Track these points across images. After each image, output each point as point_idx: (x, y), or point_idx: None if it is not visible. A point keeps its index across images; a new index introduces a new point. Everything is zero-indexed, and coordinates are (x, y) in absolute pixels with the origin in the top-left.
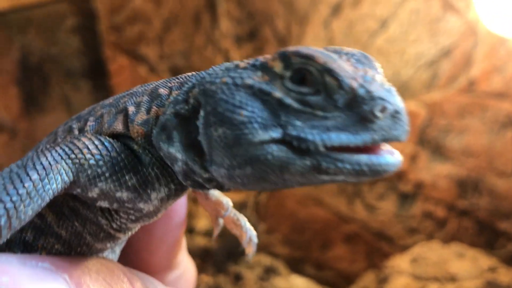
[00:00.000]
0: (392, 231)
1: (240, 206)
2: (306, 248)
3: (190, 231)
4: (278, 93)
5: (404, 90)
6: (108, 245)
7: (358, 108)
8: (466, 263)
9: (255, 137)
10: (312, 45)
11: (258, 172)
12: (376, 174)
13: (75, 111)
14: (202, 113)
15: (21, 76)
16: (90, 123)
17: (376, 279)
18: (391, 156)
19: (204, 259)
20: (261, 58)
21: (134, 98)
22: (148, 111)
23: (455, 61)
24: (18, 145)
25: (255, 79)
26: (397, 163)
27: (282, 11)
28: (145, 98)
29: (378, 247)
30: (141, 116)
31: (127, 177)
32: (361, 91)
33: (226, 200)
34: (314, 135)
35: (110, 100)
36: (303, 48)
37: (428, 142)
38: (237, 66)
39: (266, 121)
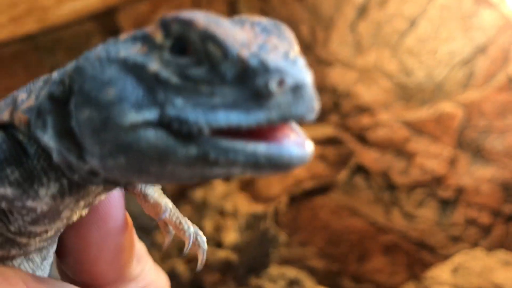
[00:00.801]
0: (433, 240)
1: (260, 217)
2: (343, 261)
3: (218, 245)
4: (154, 66)
5: (439, 91)
6: (14, 252)
7: (250, 82)
8: None
9: (126, 120)
10: (339, 49)
11: (134, 162)
12: (276, 167)
13: None
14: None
15: None
16: None
17: None
18: (297, 147)
19: (225, 272)
20: (146, 28)
21: (31, 85)
22: (38, 97)
23: (491, 57)
24: None
25: (131, 51)
26: (304, 155)
27: (306, 16)
28: (40, 84)
29: (419, 258)
30: (29, 103)
31: (8, 171)
32: (252, 62)
33: (164, 201)
34: (198, 115)
35: (14, 92)
36: (185, 13)
37: (467, 144)
38: (117, 39)
39: (140, 100)
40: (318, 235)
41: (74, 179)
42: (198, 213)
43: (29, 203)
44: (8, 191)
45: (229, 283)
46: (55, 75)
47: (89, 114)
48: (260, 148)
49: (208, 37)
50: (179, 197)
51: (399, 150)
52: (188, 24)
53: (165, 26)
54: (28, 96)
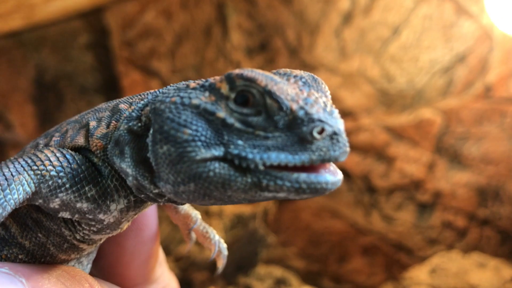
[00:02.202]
0: (411, 242)
1: (249, 218)
2: (323, 261)
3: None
4: (222, 113)
5: (419, 97)
6: (73, 255)
7: (297, 129)
8: (488, 273)
9: (198, 155)
10: (324, 54)
11: (201, 188)
12: (315, 191)
13: None
14: (151, 130)
15: (36, 93)
16: (55, 138)
17: None
18: (330, 175)
19: (213, 271)
20: (211, 79)
21: (97, 113)
22: (108, 125)
23: (470, 66)
24: None
25: (202, 99)
26: (336, 181)
27: (292, 21)
28: (107, 113)
29: (397, 259)
30: (101, 130)
31: (86, 188)
32: (300, 113)
33: (194, 213)
34: (255, 154)
35: (76, 117)
36: (248, 71)
37: (445, 150)
38: (187, 86)
39: (209, 140)
40: (299, 236)
41: (139, 197)
42: None
43: (100, 216)
44: (84, 205)
45: (217, 282)
46: (124, 107)
47: (167, 149)
48: (302, 176)
49: (267, 92)
50: None
51: (380, 154)
52: (252, 81)
53: (230, 80)
54: (98, 124)
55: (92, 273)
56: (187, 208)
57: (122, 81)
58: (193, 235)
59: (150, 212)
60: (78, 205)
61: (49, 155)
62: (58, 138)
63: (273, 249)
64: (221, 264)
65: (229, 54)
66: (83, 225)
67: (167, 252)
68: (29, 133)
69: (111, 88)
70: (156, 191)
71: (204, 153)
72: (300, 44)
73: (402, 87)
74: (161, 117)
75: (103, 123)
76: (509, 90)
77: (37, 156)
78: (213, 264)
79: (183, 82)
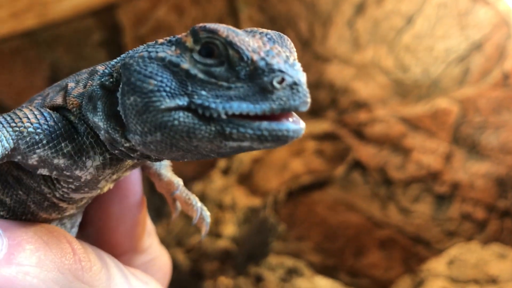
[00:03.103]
0: (429, 234)
1: (260, 208)
2: (339, 256)
3: (217, 235)
4: (186, 65)
5: (435, 87)
6: (54, 215)
7: (258, 80)
8: (508, 264)
9: (162, 104)
10: (337, 46)
11: (167, 137)
12: (277, 139)
13: None
14: (121, 84)
15: None
16: (37, 101)
17: (411, 284)
18: (292, 124)
19: (224, 261)
20: (178, 35)
21: (76, 77)
22: (85, 86)
23: (487, 54)
24: None
25: (168, 52)
26: (298, 130)
27: (304, 13)
28: (85, 75)
29: (415, 252)
30: (78, 90)
31: (63, 145)
32: (261, 63)
33: (177, 180)
34: (217, 104)
35: (58, 82)
36: (211, 24)
37: (463, 140)
38: (156, 42)
39: (174, 90)
40: (314, 230)
41: (114, 154)
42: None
43: (77, 172)
44: (61, 161)
45: (228, 272)
46: (101, 68)
47: (134, 99)
48: (263, 124)
49: (229, 43)
50: None
51: (396, 145)
52: (213, 32)
53: (194, 33)
54: (76, 85)
55: (78, 239)
56: (170, 175)
57: None
58: (178, 204)
59: (134, 179)
60: (55, 161)
61: (27, 113)
62: (40, 101)
63: (287, 243)
64: (204, 231)
65: None
66: (61, 183)
67: (180, 244)
68: None
69: None
70: (127, 144)
71: (169, 103)
72: (313, 35)
73: (417, 77)
74: (129, 70)
75: (81, 84)
76: None
77: (16, 114)
78: (224, 254)
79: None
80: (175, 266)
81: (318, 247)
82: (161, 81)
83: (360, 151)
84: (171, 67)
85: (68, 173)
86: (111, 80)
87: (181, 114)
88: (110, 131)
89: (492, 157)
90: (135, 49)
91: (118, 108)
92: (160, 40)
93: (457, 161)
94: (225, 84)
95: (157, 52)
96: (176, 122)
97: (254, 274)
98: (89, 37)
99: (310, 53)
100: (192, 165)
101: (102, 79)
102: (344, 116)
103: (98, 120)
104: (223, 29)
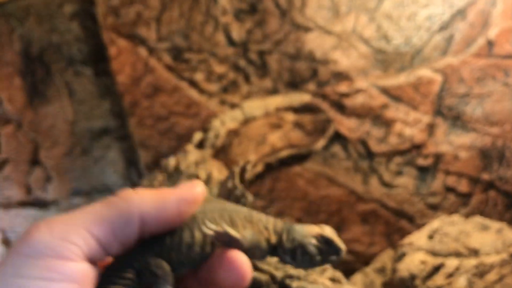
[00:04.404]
0: (412, 208)
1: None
2: None
3: None
4: None
5: (418, 57)
6: None
7: None
8: (490, 236)
9: None
10: (317, 14)
11: None
12: None
13: (79, 99)
14: None
15: (23, 66)
16: None
17: (392, 258)
18: None
19: None
20: None
21: None
22: None
23: (471, 22)
24: (23, 137)
25: None
26: None
27: None
28: None
29: (398, 227)
30: None
31: None
32: None
33: None
34: None
35: None
36: None
37: (446, 111)
38: None
39: None
40: (295, 205)
41: None
42: (171, 181)
43: None
44: None
45: None
46: None
47: None
48: None
49: None
50: (153, 166)
51: (378, 117)
52: None
53: None
54: None
55: None
56: None
57: (109, 50)
58: None
59: None
60: None
61: None
62: None
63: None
64: None
65: (217, 17)
66: None
67: None
68: (18, 107)
69: (99, 58)
70: None
71: None
72: (291, 4)
73: (400, 46)
74: None
75: None
76: None
77: None
78: None
79: None
80: None
81: (300, 222)
82: None
83: (341, 123)
84: None
85: None
86: None
87: None
88: None
89: (476, 128)
90: None
91: None
92: None
93: (440, 133)
94: None
95: None
96: None
97: None
98: (61, 9)
99: (289, 22)
100: (168, 141)
101: None
102: (325, 88)
103: None
104: None
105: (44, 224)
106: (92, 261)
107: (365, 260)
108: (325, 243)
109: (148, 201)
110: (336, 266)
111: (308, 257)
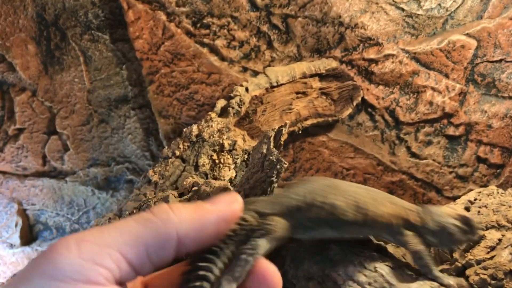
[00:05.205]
0: (442, 180)
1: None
2: None
3: (216, 180)
4: None
5: (451, 20)
6: None
7: None
8: None
9: None
10: None
11: None
12: None
13: (95, 66)
14: None
15: (37, 32)
16: None
17: None
18: None
19: None
20: None
21: None
22: None
23: None
24: (38, 106)
25: None
26: None
27: None
28: None
29: (426, 199)
30: None
31: None
32: None
33: None
34: None
35: None
36: None
37: (480, 78)
38: None
39: None
40: (321, 176)
41: None
42: (194, 149)
43: None
44: None
45: None
46: None
47: None
48: None
49: None
50: (172, 135)
51: (407, 85)
52: None
53: None
54: None
55: None
56: None
57: (126, 15)
58: None
59: None
60: None
61: None
62: None
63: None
64: None
65: None
66: None
67: (175, 188)
68: (33, 74)
69: (116, 24)
70: None
71: None
72: None
73: (432, 10)
74: None
75: None
76: None
77: None
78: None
79: None
80: None
81: None
82: None
83: (369, 91)
84: None
85: None
86: None
87: None
88: None
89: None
90: None
91: None
92: None
93: (473, 101)
94: None
95: None
96: None
97: None
98: None
99: None
100: (188, 109)
101: None
102: (352, 54)
103: None
104: None
105: (73, 241)
106: (122, 283)
107: None
108: (465, 223)
109: (186, 221)
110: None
111: (453, 237)
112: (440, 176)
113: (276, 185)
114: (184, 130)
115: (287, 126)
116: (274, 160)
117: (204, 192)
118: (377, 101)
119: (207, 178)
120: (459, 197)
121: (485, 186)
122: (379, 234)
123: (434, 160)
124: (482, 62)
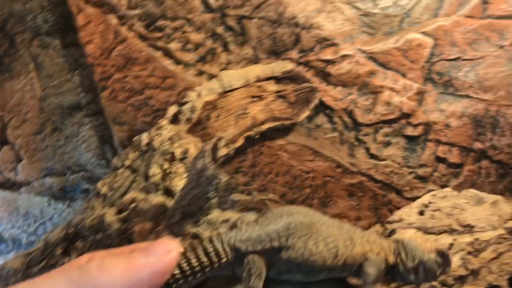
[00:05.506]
0: (401, 181)
1: (197, 157)
2: (307, 206)
3: (167, 193)
4: None
5: (407, 19)
6: None
7: None
8: (485, 210)
9: None
10: None
11: None
12: None
13: (47, 73)
14: None
15: None
16: None
17: (382, 234)
18: None
19: (158, 222)
20: None
21: None
22: None
23: None
24: None
25: None
26: None
27: None
28: None
29: (386, 201)
30: None
31: None
32: None
33: None
34: None
35: None
36: None
37: (437, 77)
38: None
39: None
40: (279, 180)
41: None
42: (144, 159)
43: None
44: None
45: (162, 234)
46: None
47: None
48: None
49: None
50: (128, 142)
51: (364, 86)
52: None
53: None
54: None
55: None
56: None
57: (76, 19)
58: None
59: None
60: None
61: None
62: None
63: (246, 196)
64: None
65: None
66: None
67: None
68: None
69: (66, 28)
70: None
71: None
72: None
73: (388, 8)
74: None
75: None
76: (511, 5)
77: None
78: (159, 214)
79: None
80: (104, 227)
81: (284, 197)
82: None
83: (326, 93)
84: None
85: None
86: None
87: None
88: None
89: (469, 95)
90: None
91: None
92: None
93: (430, 100)
94: None
95: None
96: None
97: (192, 234)
98: None
99: None
100: (143, 115)
101: None
102: (308, 55)
103: None
104: None
105: None
106: None
107: None
108: (441, 256)
109: (118, 280)
110: None
111: (430, 272)
112: (399, 177)
113: (214, 201)
114: (134, 139)
115: (225, 140)
116: (210, 176)
117: (141, 210)
118: (335, 103)
119: (157, 189)
120: (419, 197)
121: (445, 186)
122: (348, 274)
123: (393, 161)
124: (439, 61)
